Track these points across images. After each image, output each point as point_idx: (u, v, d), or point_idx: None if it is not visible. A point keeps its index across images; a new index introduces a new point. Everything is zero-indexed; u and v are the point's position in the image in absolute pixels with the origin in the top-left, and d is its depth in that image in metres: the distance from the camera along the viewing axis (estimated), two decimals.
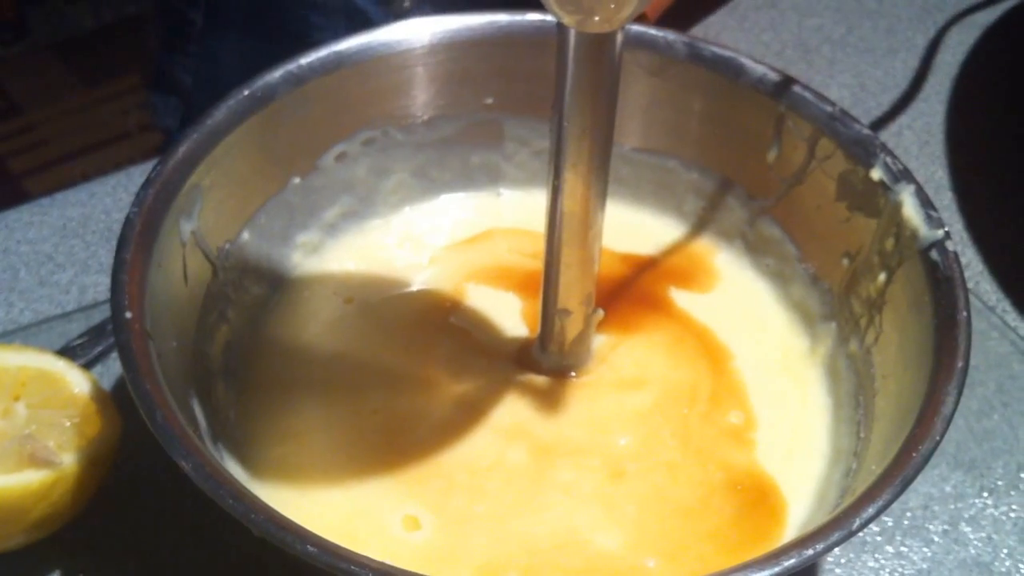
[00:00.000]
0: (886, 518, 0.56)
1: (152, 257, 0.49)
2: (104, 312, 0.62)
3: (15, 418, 0.52)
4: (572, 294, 0.53)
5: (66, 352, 0.59)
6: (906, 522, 0.56)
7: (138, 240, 0.49)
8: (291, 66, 0.56)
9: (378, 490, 0.51)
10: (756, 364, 0.58)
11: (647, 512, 0.51)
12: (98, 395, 0.53)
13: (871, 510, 0.42)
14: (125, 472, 0.54)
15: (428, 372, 0.56)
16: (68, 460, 0.50)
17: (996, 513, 0.57)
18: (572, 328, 0.54)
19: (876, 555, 0.55)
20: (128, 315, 0.46)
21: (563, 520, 0.51)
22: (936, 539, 0.56)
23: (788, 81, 0.57)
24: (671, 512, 0.51)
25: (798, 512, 0.52)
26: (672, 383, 0.56)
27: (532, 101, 0.60)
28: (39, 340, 0.60)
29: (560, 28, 0.44)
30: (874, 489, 0.43)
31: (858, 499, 0.43)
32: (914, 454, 0.44)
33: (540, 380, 0.56)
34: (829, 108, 0.56)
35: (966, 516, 0.57)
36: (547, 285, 0.53)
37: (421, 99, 0.60)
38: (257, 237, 0.57)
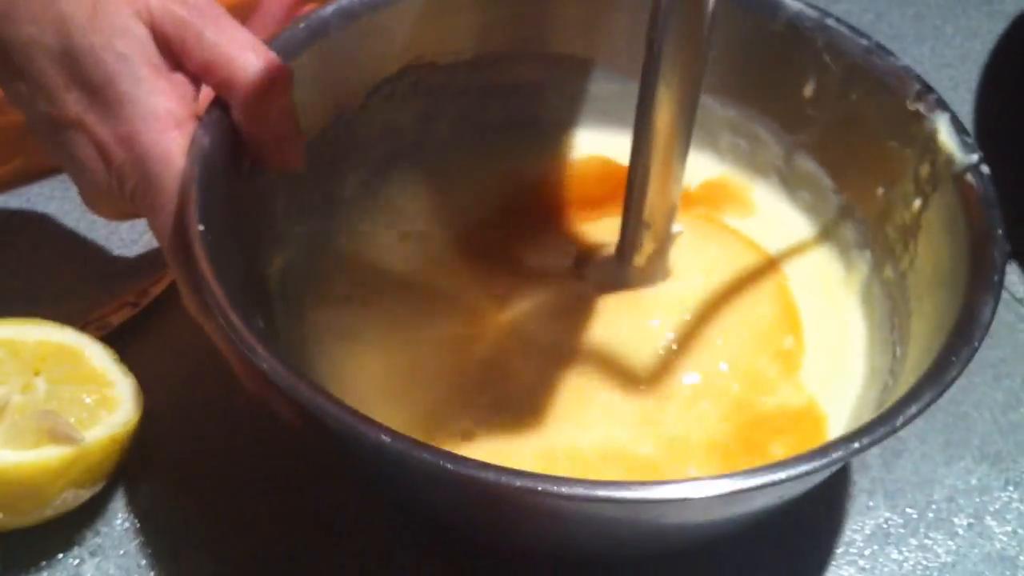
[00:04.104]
0: (910, 510, 0.57)
1: (210, 188, 0.49)
2: (126, 287, 0.62)
3: (35, 393, 0.51)
4: (656, 208, 0.53)
5: (87, 327, 0.58)
6: (930, 515, 0.56)
7: (197, 170, 0.49)
8: (344, 1, 0.57)
9: (434, 406, 0.53)
10: (802, 289, 0.59)
11: (693, 429, 0.53)
12: (119, 370, 0.53)
13: (913, 408, 0.43)
14: (145, 449, 0.54)
15: (482, 296, 0.57)
16: (89, 437, 0.50)
17: (1022, 507, 0.57)
18: (650, 243, 0.55)
19: (900, 547, 0.55)
20: (201, 227, 0.47)
21: (608, 434, 0.52)
22: (961, 532, 0.56)
23: (825, 16, 0.58)
24: (716, 429, 0.53)
25: (838, 432, 0.53)
26: (734, 304, 0.57)
27: (580, 43, 0.62)
28: (59, 314, 0.57)
29: None
30: (915, 390, 0.44)
31: (900, 400, 0.44)
32: (953, 358, 0.45)
33: (597, 296, 0.56)
34: (865, 42, 0.58)
35: (991, 509, 0.57)
36: (630, 197, 0.54)
37: (469, 39, 0.61)
38: (309, 170, 0.58)
